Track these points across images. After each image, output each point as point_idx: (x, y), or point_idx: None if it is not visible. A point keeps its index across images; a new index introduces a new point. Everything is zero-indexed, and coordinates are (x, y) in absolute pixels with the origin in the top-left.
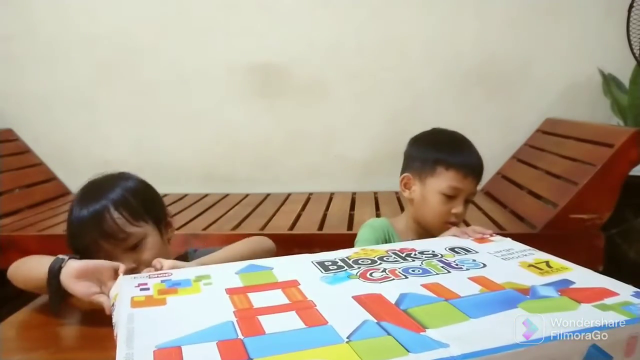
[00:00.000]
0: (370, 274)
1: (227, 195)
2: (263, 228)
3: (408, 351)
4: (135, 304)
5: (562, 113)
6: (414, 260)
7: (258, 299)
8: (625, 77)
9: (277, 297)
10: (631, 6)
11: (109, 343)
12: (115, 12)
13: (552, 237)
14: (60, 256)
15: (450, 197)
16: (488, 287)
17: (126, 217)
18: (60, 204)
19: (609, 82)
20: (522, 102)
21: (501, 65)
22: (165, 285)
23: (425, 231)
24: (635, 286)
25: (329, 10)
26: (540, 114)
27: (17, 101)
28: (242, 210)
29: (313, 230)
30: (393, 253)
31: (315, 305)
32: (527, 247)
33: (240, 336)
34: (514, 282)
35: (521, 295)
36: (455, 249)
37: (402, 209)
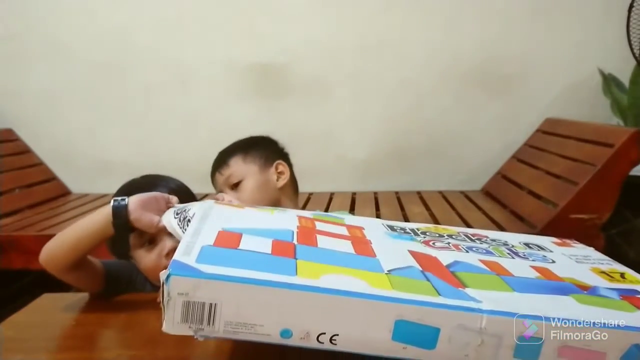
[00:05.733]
0: (433, 243)
1: None
2: None
3: (439, 294)
4: (217, 202)
5: (562, 113)
6: (482, 244)
7: (322, 226)
8: (625, 77)
9: (340, 230)
10: (631, 6)
11: (109, 343)
12: (115, 12)
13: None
14: (115, 199)
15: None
16: (547, 276)
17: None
18: (60, 204)
19: (609, 82)
20: (522, 102)
21: (501, 65)
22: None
23: None
24: None
25: (329, 10)
26: (540, 114)
27: (18, 101)
28: None
29: None
30: (464, 234)
31: (371, 243)
32: (607, 258)
33: (295, 242)
34: (576, 279)
35: (578, 289)
36: (530, 245)
37: (402, 208)
